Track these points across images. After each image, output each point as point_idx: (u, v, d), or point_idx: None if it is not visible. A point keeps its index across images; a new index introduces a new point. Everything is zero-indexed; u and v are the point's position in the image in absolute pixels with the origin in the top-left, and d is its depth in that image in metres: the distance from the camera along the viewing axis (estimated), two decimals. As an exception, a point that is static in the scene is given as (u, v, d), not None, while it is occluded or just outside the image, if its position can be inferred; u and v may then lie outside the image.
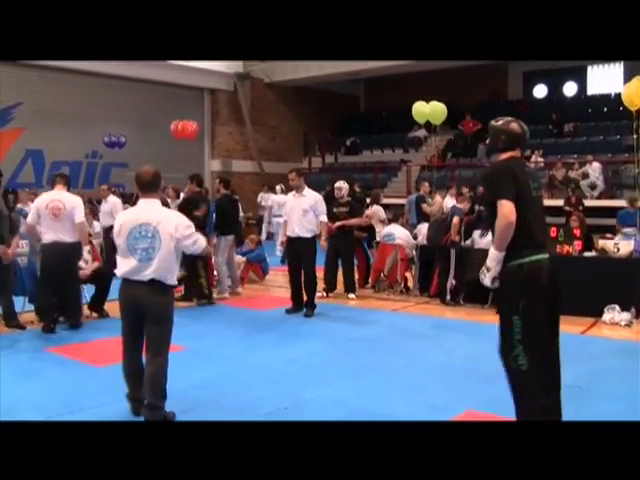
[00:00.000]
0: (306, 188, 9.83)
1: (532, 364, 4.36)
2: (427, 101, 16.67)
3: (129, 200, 14.03)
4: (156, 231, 5.12)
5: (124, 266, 5.22)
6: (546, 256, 4.47)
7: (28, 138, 19.86)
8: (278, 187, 17.66)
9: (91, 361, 7.06)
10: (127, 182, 14.30)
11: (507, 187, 4.28)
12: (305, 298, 9.70)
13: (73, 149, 20.95)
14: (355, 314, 9.80)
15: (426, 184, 15.06)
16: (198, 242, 5.36)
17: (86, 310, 9.34)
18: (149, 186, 5.57)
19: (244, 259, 12.45)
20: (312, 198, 9.72)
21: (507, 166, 4.45)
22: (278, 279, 12.81)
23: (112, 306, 9.42)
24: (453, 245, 10.25)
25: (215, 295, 10.91)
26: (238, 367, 6.86)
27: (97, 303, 9.26)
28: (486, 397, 5.80)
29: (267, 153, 25.69)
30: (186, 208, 10.35)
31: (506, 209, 4.22)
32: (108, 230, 12.74)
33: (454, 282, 10.24)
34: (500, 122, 4.58)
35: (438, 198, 14.37)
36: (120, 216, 5.60)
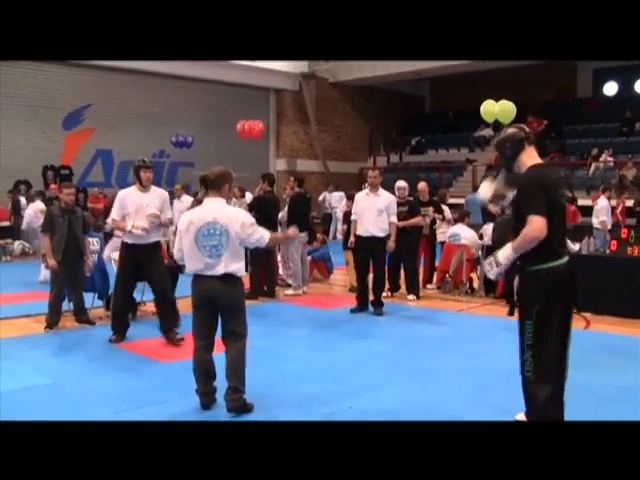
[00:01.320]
0: (380, 188, 9.79)
1: (538, 375, 4.46)
2: (494, 100, 16.46)
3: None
4: (224, 229, 5.29)
5: (196, 263, 5.41)
6: (564, 260, 4.44)
7: (98, 138, 20.35)
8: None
9: (158, 357, 7.17)
10: (194, 181, 14.48)
11: (540, 201, 4.28)
12: (372, 298, 9.69)
13: (141, 149, 21.25)
14: (420, 314, 9.74)
15: (492, 184, 14.85)
16: (262, 237, 5.53)
17: (153, 307, 9.49)
18: (213, 185, 5.71)
19: (309, 258, 12.50)
20: (387, 198, 9.71)
21: (538, 177, 4.45)
22: (343, 278, 12.80)
23: (178, 303, 9.60)
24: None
25: (291, 292, 11.07)
26: (302, 366, 6.87)
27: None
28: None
29: (332, 152, 25.74)
30: (258, 207, 10.47)
31: (539, 225, 4.24)
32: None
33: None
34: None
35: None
36: (187, 215, 5.69)
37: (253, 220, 5.52)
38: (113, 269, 9.30)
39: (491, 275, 4.83)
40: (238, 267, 5.42)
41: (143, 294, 9.59)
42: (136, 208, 7.78)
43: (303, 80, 24.77)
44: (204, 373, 5.51)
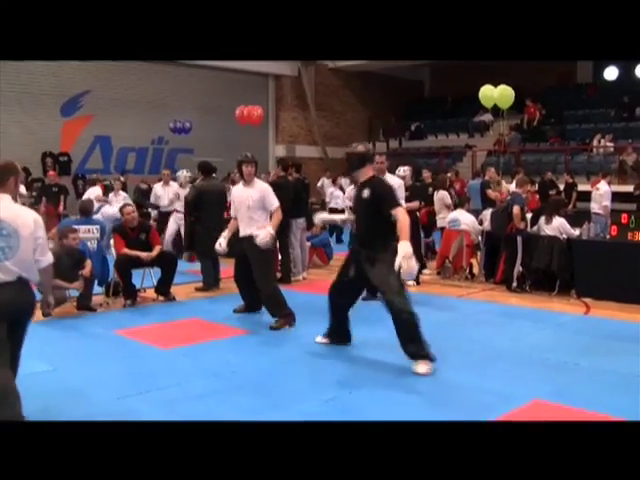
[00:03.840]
0: (387, 173, 9.70)
1: None
2: (493, 85, 16.41)
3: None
4: (12, 229, 4.45)
5: None
6: None
7: (96, 125, 20.31)
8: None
9: (158, 344, 7.17)
10: (192, 168, 14.45)
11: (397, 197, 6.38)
12: None
13: (140, 135, 21.32)
14: (420, 300, 9.65)
15: (492, 170, 14.84)
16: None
17: (153, 293, 9.51)
18: None
19: (308, 244, 12.48)
20: (395, 183, 9.58)
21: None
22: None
23: (178, 289, 9.61)
24: (519, 232, 10.07)
25: (291, 278, 11.04)
26: (301, 352, 6.86)
27: (164, 287, 9.38)
28: (554, 386, 5.72)
29: (331, 138, 25.70)
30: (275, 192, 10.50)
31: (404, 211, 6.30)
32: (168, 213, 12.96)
33: (521, 269, 10.07)
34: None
35: (504, 184, 14.15)
36: None
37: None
38: (113, 257, 9.33)
39: (414, 273, 6.22)
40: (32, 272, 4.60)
41: (143, 281, 9.62)
42: (238, 203, 8.22)
43: (302, 66, 24.68)
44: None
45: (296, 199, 11.04)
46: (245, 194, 8.17)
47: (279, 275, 10.94)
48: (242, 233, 8.12)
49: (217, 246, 8.23)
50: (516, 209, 10.02)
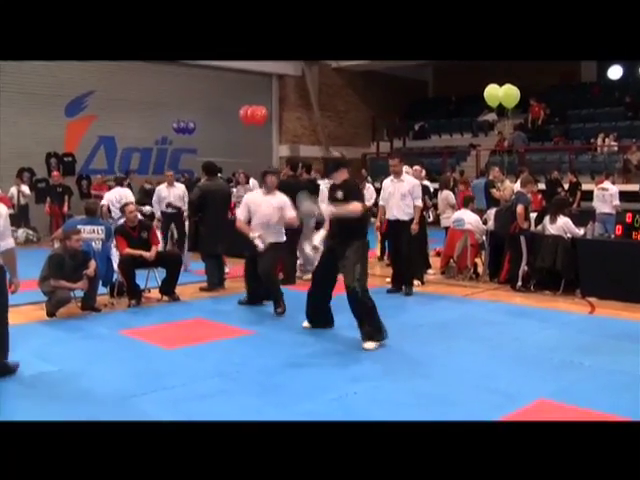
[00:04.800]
0: (404, 173, 10.19)
1: None
2: (497, 85, 16.41)
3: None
4: None
5: None
6: None
7: (100, 125, 20.29)
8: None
9: (162, 344, 7.17)
10: (196, 168, 14.42)
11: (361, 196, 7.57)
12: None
13: (143, 135, 21.31)
14: (425, 300, 9.73)
15: (496, 169, 14.81)
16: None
17: (157, 293, 9.52)
18: None
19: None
20: (410, 183, 10.04)
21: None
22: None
23: (182, 289, 9.62)
24: (522, 232, 10.06)
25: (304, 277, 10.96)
26: (306, 351, 6.87)
27: (168, 287, 9.39)
28: (558, 385, 5.72)
29: (335, 138, 25.68)
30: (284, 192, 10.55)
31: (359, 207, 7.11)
32: (178, 215, 12.88)
33: (526, 269, 10.07)
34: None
35: (508, 183, 14.13)
36: None
37: None
38: (116, 257, 9.34)
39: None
40: None
41: (147, 281, 9.63)
42: (254, 209, 8.73)
43: (306, 66, 24.65)
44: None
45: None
46: (265, 202, 8.78)
47: (282, 276, 10.95)
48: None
49: (259, 243, 8.47)
50: (520, 208, 10.01)
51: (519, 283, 10.11)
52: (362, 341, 6.97)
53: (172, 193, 13.07)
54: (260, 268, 8.61)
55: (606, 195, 14.58)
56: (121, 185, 13.18)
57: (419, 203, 10.03)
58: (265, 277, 8.70)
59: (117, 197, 12.10)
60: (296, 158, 12.49)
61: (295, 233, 10.34)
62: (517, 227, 10.06)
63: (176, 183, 13.58)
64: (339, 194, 7.28)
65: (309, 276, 11.15)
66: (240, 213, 8.78)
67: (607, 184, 14.85)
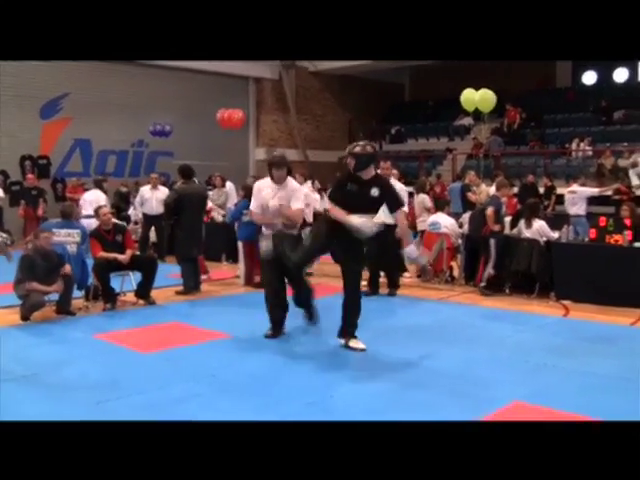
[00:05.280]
0: (393, 178, 10.17)
1: None
2: (474, 89, 16.51)
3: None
4: None
5: None
6: None
7: (76, 128, 20.16)
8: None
9: (138, 348, 7.13)
10: (172, 171, 14.35)
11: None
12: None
13: (120, 138, 21.20)
14: (401, 303, 9.76)
15: (472, 173, 14.91)
16: None
17: (133, 297, 9.47)
18: None
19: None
20: (398, 188, 9.76)
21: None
22: (324, 268, 12.75)
23: (158, 293, 9.57)
24: (493, 235, 10.11)
25: None
26: (282, 355, 6.87)
27: (144, 290, 9.34)
28: (533, 388, 5.75)
29: (312, 141, 25.70)
30: None
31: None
32: (159, 217, 12.84)
33: (492, 272, 10.11)
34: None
35: (484, 187, 14.23)
36: None
37: None
38: (91, 260, 9.28)
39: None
40: None
41: (123, 284, 9.58)
42: (269, 202, 7.55)
43: (283, 69, 24.67)
44: None
45: None
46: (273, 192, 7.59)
47: (258, 279, 10.92)
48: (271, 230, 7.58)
49: (264, 248, 7.53)
50: (489, 211, 10.10)
51: (483, 284, 10.17)
52: (350, 340, 7.02)
53: (155, 196, 13.02)
54: (294, 259, 7.23)
55: (575, 198, 14.82)
56: (100, 187, 13.09)
57: (405, 208, 9.93)
58: (298, 272, 7.62)
59: (92, 199, 12.06)
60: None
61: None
62: (487, 229, 10.13)
63: (160, 186, 13.56)
64: (374, 191, 6.68)
65: None
66: (256, 208, 7.72)
67: (575, 187, 15.13)
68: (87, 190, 14.27)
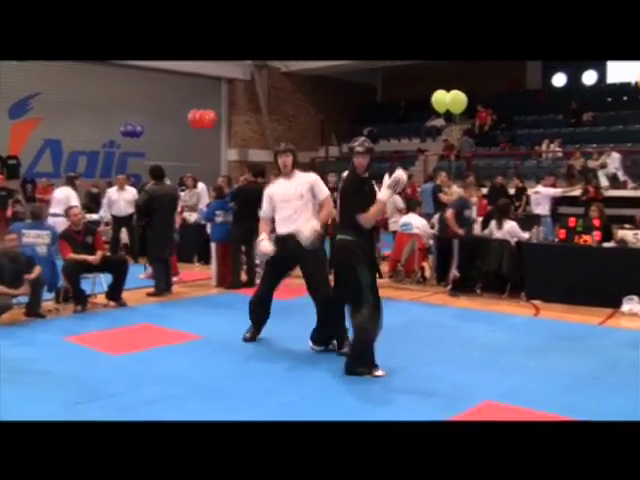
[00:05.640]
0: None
1: None
2: (446, 90, 16.60)
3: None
4: None
5: None
6: None
7: (46, 128, 19.98)
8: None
9: (109, 350, 7.08)
10: (144, 172, 14.25)
11: None
12: None
13: (91, 139, 21.04)
14: (372, 304, 9.76)
15: (444, 174, 14.97)
16: None
17: (104, 299, 9.40)
18: None
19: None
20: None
21: None
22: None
23: (129, 295, 9.51)
24: (455, 236, 10.17)
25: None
26: (254, 357, 6.87)
27: (115, 292, 9.28)
28: (504, 387, 5.79)
29: (284, 142, 25.61)
30: (237, 197, 10.63)
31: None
32: (129, 218, 12.77)
33: (456, 273, 10.17)
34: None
35: (455, 188, 14.30)
36: None
37: None
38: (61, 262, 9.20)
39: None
40: None
41: (93, 286, 9.51)
42: (283, 198, 7.09)
43: (255, 69, 24.64)
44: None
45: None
46: (291, 187, 7.13)
47: (245, 279, 10.94)
48: (285, 230, 7.04)
49: (263, 248, 6.99)
50: (449, 213, 10.19)
51: (449, 287, 10.26)
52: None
53: (122, 197, 12.93)
54: (320, 285, 6.96)
55: (539, 198, 15.06)
56: (72, 185, 12.85)
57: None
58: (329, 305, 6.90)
59: (62, 197, 11.87)
60: (257, 164, 12.31)
61: (249, 233, 10.14)
62: (450, 231, 10.20)
63: (127, 187, 13.46)
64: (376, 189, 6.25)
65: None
66: (266, 211, 7.28)
67: (539, 187, 15.41)
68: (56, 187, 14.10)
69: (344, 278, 6.29)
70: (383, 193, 6.07)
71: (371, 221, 6.22)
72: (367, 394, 5.65)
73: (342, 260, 6.31)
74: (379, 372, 6.07)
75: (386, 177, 6.09)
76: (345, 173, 6.55)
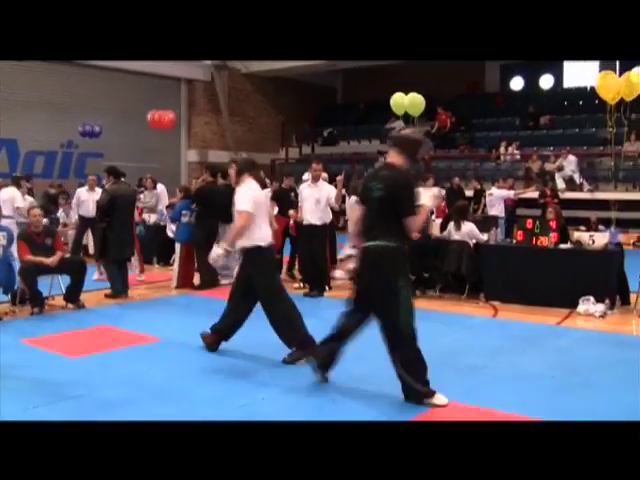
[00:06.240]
0: (321, 180, 10.38)
1: None
2: (405, 93, 16.70)
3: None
4: None
5: None
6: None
7: (1, 127, 19.59)
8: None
9: (66, 352, 7.00)
10: (102, 172, 14.07)
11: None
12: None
13: (48, 139, 20.74)
14: (330, 305, 9.73)
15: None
16: None
17: (61, 301, 9.29)
18: None
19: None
20: (326, 189, 10.25)
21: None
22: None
23: (87, 297, 9.41)
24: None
25: (225, 281, 10.70)
26: (214, 359, 6.83)
27: (73, 294, 9.17)
28: (464, 388, 5.82)
29: (244, 143, 25.59)
30: (199, 198, 10.71)
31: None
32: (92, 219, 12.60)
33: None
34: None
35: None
36: None
37: None
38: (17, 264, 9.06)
39: None
40: None
41: (51, 288, 9.39)
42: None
43: (215, 70, 24.54)
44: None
45: (228, 204, 10.92)
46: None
47: (197, 281, 10.87)
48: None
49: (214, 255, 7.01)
50: None
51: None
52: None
53: (92, 197, 12.76)
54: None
55: (493, 199, 15.47)
56: (18, 186, 12.58)
57: (334, 206, 10.34)
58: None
59: (6, 198, 11.66)
60: (218, 165, 12.28)
61: (211, 233, 10.25)
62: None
63: (97, 188, 13.31)
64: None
65: (229, 281, 11.11)
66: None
67: (493, 189, 15.84)
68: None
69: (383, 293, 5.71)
70: (426, 200, 5.59)
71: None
72: (327, 396, 5.66)
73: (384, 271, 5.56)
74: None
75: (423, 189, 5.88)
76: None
